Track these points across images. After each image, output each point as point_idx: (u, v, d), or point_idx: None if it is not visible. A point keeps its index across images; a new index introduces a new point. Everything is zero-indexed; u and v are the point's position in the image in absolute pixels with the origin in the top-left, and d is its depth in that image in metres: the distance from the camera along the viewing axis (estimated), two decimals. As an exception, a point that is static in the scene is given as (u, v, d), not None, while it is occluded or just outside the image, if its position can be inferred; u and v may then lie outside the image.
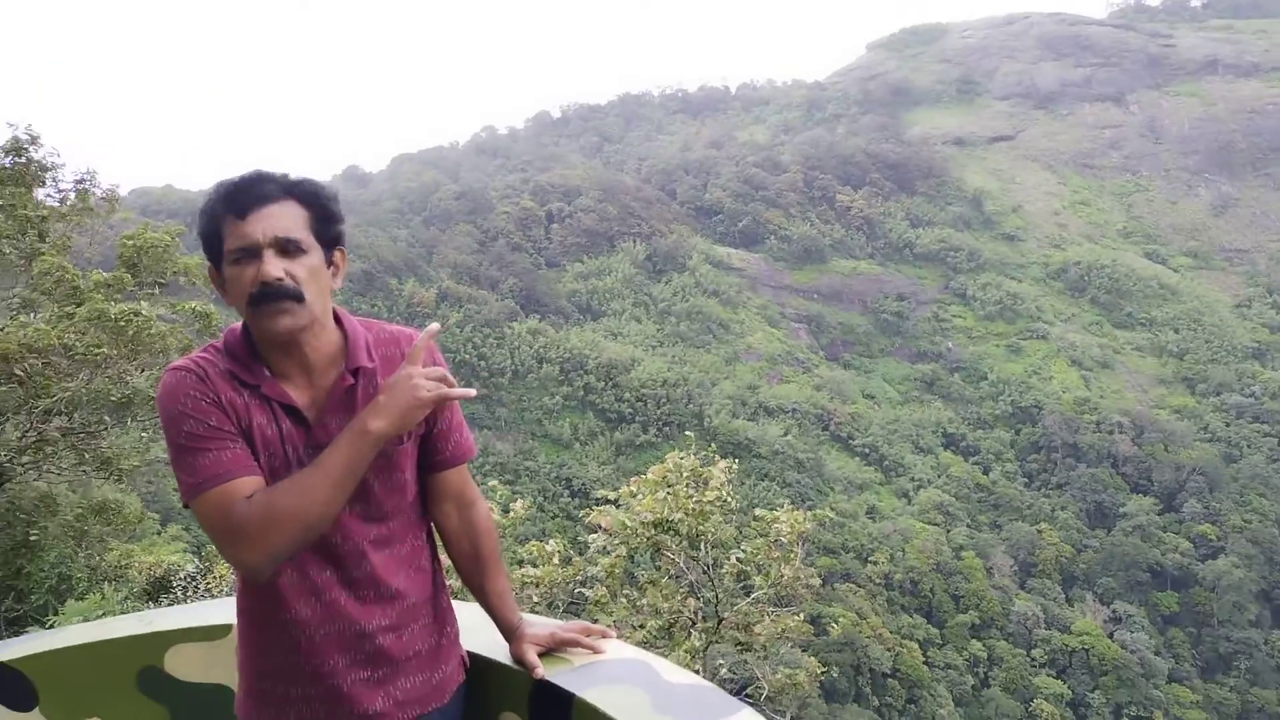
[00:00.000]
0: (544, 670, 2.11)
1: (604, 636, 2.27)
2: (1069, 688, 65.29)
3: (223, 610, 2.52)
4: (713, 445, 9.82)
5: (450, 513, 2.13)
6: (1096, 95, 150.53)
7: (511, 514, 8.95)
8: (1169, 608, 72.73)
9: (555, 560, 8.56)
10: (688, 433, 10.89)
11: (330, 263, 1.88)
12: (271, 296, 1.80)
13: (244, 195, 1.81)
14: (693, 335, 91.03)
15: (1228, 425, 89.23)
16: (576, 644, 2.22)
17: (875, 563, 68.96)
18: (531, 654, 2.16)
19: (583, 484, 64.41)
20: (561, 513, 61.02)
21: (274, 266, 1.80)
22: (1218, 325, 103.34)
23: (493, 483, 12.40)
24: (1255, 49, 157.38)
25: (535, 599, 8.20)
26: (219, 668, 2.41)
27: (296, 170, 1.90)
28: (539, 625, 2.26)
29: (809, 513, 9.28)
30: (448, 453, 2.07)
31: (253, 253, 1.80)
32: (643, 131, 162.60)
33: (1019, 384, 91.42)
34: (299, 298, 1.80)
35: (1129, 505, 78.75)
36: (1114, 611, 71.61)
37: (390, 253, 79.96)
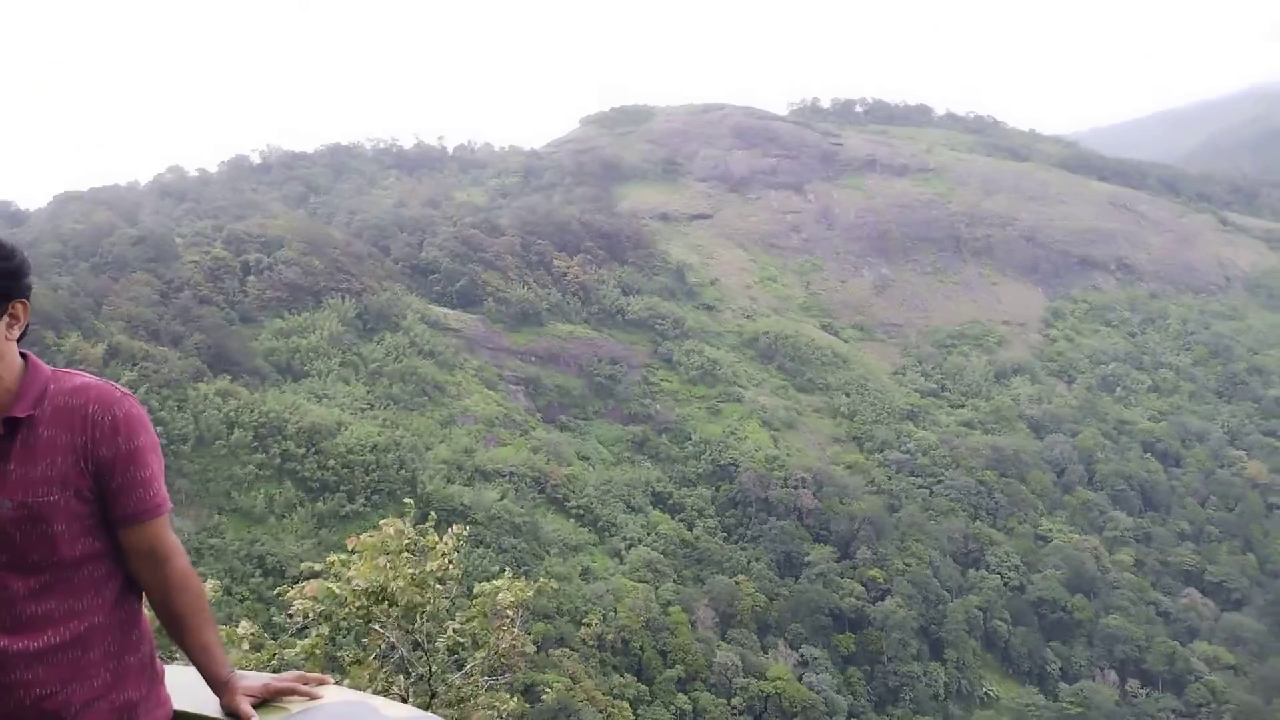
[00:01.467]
0: (259, 718, 2.14)
1: (321, 683, 2.31)
2: (765, 732, 69.29)
3: None
4: (432, 515, 9.34)
5: (141, 570, 2.16)
6: (781, 183, 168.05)
7: None
8: (847, 648, 79.92)
9: (245, 645, 7.99)
10: (406, 500, 10.31)
11: (4, 316, 2.07)
12: None
13: None
14: (406, 397, 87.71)
15: (890, 479, 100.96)
16: (293, 692, 2.26)
17: (589, 624, 69.22)
18: (245, 704, 2.19)
19: (278, 561, 58.95)
20: (253, 595, 55.30)
21: None
22: (880, 390, 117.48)
23: None
24: (905, 152, 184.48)
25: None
26: None
27: None
28: (252, 677, 2.27)
29: (531, 583, 9.22)
30: (129, 510, 2.13)
31: None
32: (353, 184, 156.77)
33: (719, 444, 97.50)
34: None
35: (812, 554, 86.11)
36: (802, 655, 77.41)
37: (49, 302, 69.34)
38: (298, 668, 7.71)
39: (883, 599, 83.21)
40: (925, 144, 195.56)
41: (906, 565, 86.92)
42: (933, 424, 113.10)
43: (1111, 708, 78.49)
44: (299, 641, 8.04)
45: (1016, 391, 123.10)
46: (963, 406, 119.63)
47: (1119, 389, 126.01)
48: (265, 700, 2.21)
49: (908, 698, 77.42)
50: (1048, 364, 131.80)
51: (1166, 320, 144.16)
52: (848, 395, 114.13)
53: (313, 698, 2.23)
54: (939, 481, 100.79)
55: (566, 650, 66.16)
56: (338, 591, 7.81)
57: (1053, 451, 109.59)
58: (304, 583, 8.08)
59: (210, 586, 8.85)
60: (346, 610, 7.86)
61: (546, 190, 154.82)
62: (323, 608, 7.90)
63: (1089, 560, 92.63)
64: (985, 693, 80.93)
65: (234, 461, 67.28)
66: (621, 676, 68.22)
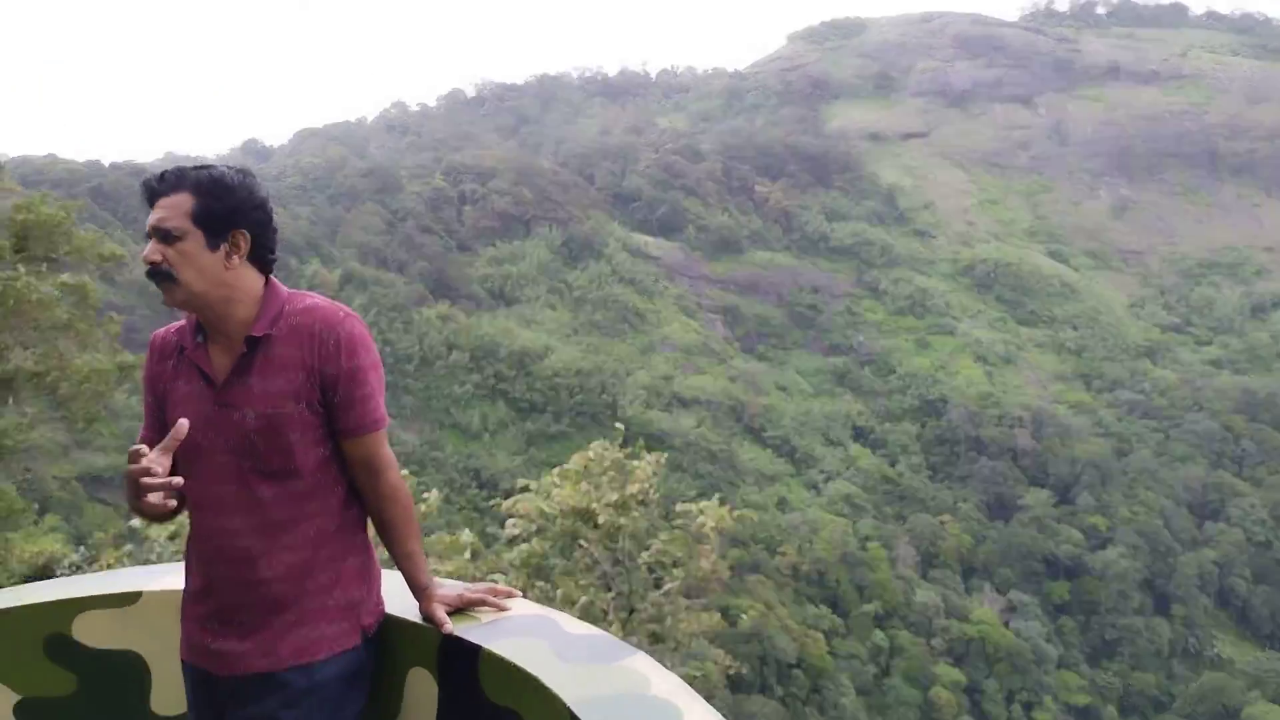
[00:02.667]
0: (452, 626, 2.28)
1: (510, 596, 2.44)
2: (965, 675, 67.22)
3: (131, 578, 2.59)
4: (640, 441, 9.52)
5: (359, 478, 2.32)
6: (1007, 96, 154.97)
7: (423, 507, 8.75)
8: (1060, 596, 75.54)
9: (467, 554, 8.51)
10: (617, 424, 10.64)
11: (224, 244, 2.18)
12: (152, 276, 2.16)
13: (149, 189, 2.18)
14: (608, 324, 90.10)
15: (1120, 420, 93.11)
16: (484, 603, 2.40)
17: (784, 554, 69.53)
18: (440, 612, 2.34)
19: (492, 475, 63.00)
20: (469, 505, 59.52)
21: (152, 251, 2.14)
22: (1113, 324, 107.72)
23: (403, 473, 11.41)
24: (1154, 58, 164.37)
25: None
26: (129, 634, 2.48)
27: (196, 146, 2.02)
28: (448, 586, 2.43)
29: (732, 510, 9.41)
30: (349, 423, 2.28)
31: (148, 238, 2.16)
32: (560, 114, 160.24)
33: (926, 378, 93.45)
34: (171, 278, 2.13)
35: (1027, 497, 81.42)
36: (1010, 601, 73.99)
37: (291, 231, 76.42)
38: (511, 576, 8.16)
39: (1104, 548, 77.63)
40: (1179, 47, 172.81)
41: (1134, 514, 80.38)
42: (1174, 362, 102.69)
43: (1373, 683, 69.84)
44: (511, 551, 8.58)
45: (1276, 327, 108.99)
46: (1210, 343, 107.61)
47: None
48: (459, 609, 2.36)
49: (1126, 652, 72.46)
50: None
51: None
52: (1075, 329, 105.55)
53: (502, 609, 2.37)
54: (1177, 425, 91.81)
55: (761, 577, 66.75)
56: (547, 510, 8.29)
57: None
58: (518, 497, 8.63)
59: (433, 496, 9.17)
60: (555, 528, 8.35)
61: (750, 113, 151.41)
62: (534, 525, 8.41)
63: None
64: (1216, 653, 74.25)
65: (453, 381, 72.05)
66: (816, 607, 68.11)
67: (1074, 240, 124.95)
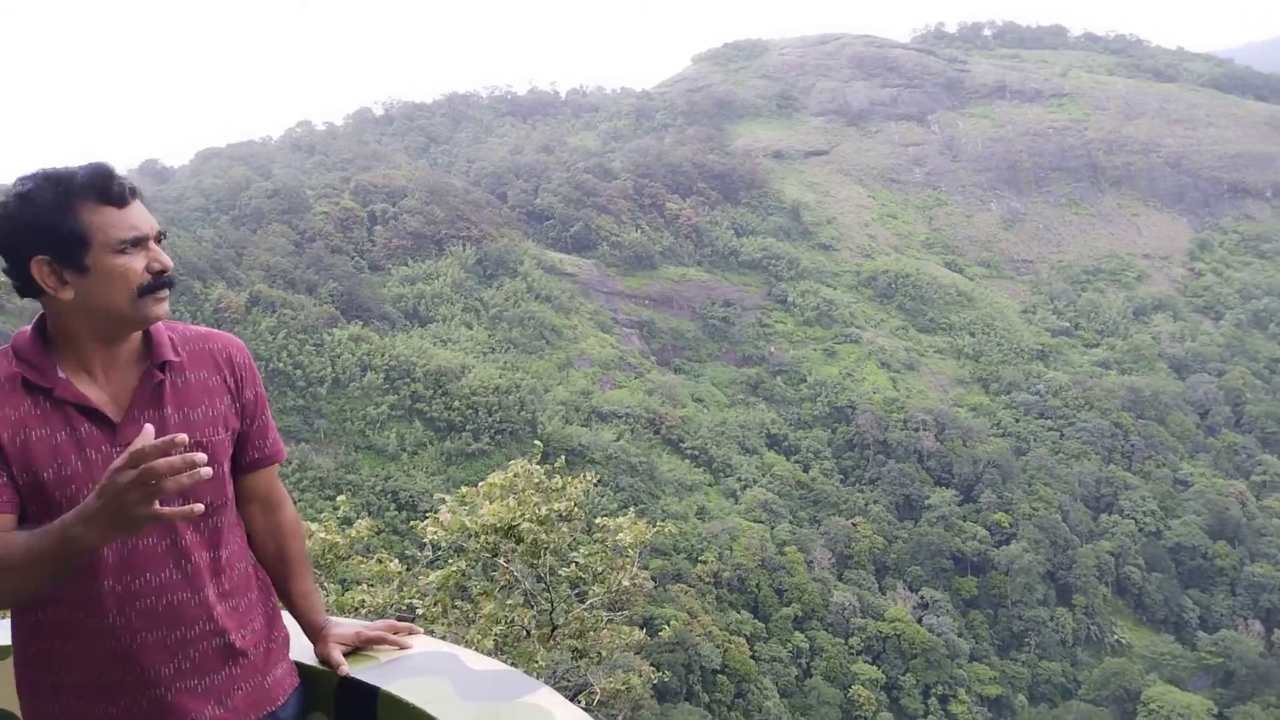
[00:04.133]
0: (349, 668, 2.17)
1: (410, 633, 2.31)
2: (883, 672, 69.27)
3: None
4: (562, 458, 9.60)
5: (256, 514, 2.16)
6: (902, 114, 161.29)
7: (351, 532, 8.66)
8: (969, 592, 78.59)
9: (395, 583, 8.32)
10: (535, 441, 10.83)
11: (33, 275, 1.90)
12: (164, 285, 1.93)
13: (119, 186, 1.86)
14: (525, 341, 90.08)
15: (1017, 421, 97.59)
16: (383, 641, 2.27)
17: (705, 562, 70.58)
18: (336, 653, 2.21)
19: (410, 496, 62.26)
20: (388, 527, 58.57)
21: (167, 257, 1.93)
22: (1008, 329, 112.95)
23: (340, 497, 11.56)
24: (1037, 77, 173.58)
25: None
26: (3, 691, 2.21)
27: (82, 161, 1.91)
28: (344, 625, 2.31)
29: (651, 525, 9.30)
30: (261, 454, 2.11)
31: (142, 243, 1.89)
32: (471, 133, 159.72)
33: (835, 386, 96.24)
34: (174, 286, 1.99)
35: (933, 497, 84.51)
36: (922, 598, 76.60)
37: (194, 254, 74.23)
38: (432, 597, 8.16)
39: (1007, 543, 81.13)
40: (1060, 67, 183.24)
41: (1034, 509, 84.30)
42: (1065, 364, 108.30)
43: (1255, 659, 74.63)
44: (433, 573, 8.34)
45: (1157, 329, 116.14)
46: (1098, 346, 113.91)
47: (1272, 325, 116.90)
48: (357, 649, 2.27)
49: (1033, 642, 75.78)
50: (1192, 299, 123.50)
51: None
52: (973, 335, 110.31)
53: (402, 647, 2.28)
54: (1070, 424, 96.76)
55: (684, 586, 67.61)
56: (469, 525, 8.12)
57: (1196, 392, 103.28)
58: (436, 512, 8.32)
59: (366, 523, 9.18)
60: (476, 544, 8.18)
61: (659, 131, 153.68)
62: (454, 539, 8.22)
63: (1234, 505, 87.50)
64: (1116, 640, 78.32)
65: (367, 402, 70.97)
66: (738, 613, 69.29)
67: (968, 251, 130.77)
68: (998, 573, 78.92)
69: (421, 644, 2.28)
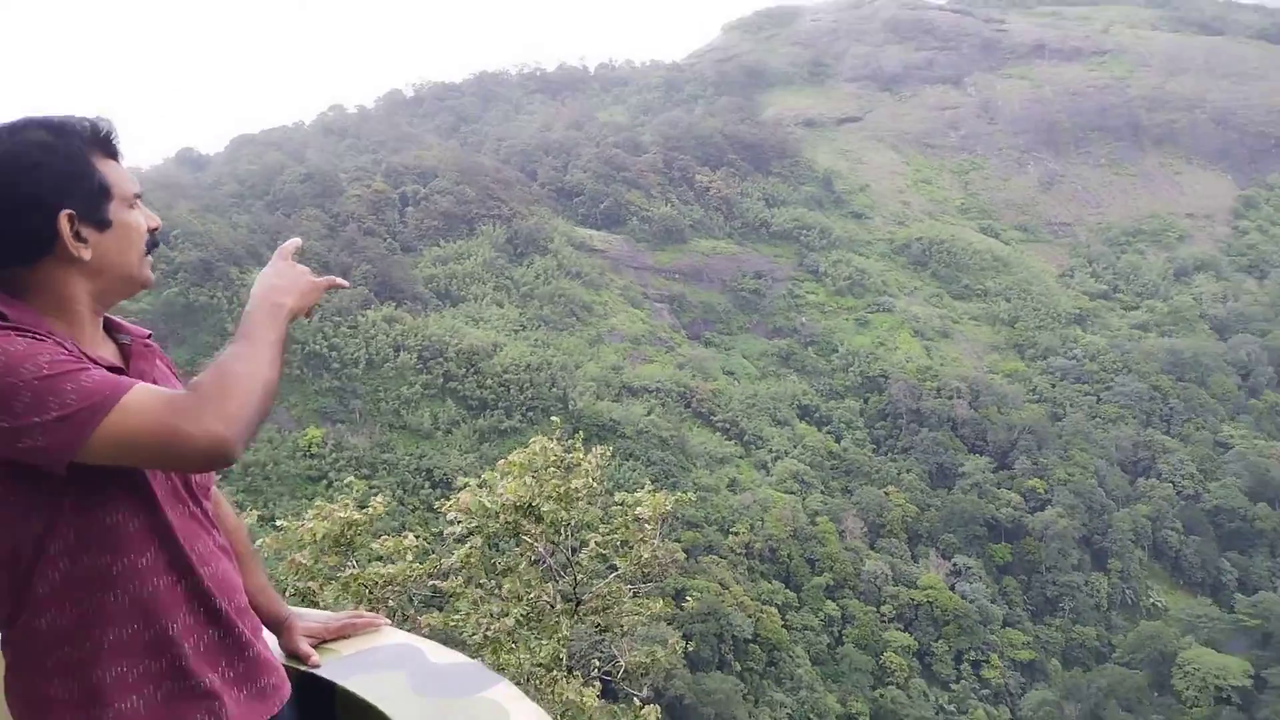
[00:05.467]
0: (319, 659, 2.17)
1: (373, 625, 2.34)
2: (915, 639, 69.77)
3: None
4: (580, 433, 9.83)
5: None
6: (937, 78, 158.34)
7: (369, 510, 8.66)
8: (1003, 558, 78.52)
9: (410, 556, 8.42)
10: (553, 418, 10.87)
11: (59, 237, 1.76)
12: (155, 244, 1.83)
13: (113, 139, 1.77)
14: (556, 318, 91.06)
15: (1053, 386, 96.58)
16: (351, 629, 2.30)
17: (736, 533, 71.39)
18: (304, 645, 2.20)
19: (444, 474, 63.72)
20: (423, 505, 60.13)
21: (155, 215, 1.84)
22: (1044, 294, 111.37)
23: (349, 478, 12.22)
24: (1078, 34, 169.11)
25: (391, 601, 8.06)
26: None
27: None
28: (310, 617, 2.31)
29: (669, 495, 9.43)
30: None
31: (138, 199, 1.80)
32: (501, 111, 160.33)
33: (867, 355, 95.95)
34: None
35: (967, 465, 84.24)
36: (954, 565, 76.74)
37: (230, 240, 76.15)
38: (456, 573, 8.43)
39: (1042, 509, 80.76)
40: (1101, 23, 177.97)
41: (1069, 475, 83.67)
42: (1103, 328, 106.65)
43: (1296, 622, 73.71)
44: (457, 548, 8.49)
45: (1199, 289, 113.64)
46: (1137, 308, 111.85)
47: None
48: (323, 641, 2.26)
49: (1067, 608, 75.62)
50: (1236, 259, 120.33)
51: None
52: (1008, 300, 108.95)
53: (375, 624, 2.32)
54: (1108, 388, 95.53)
55: (715, 557, 68.51)
56: (489, 505, 8.28)
57: (1238, 353, 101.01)
58: (458, 494, 8.45)
59: (381, 501, 9.13)
60: (497, 523, 8.35)
61: (688, 104, 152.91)
62: (475, 522, 8.33)
63: (1275, 467, 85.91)
64: (1152, 603, 77.84)
65: (401, 382, 72.57)
66: (770, 583, 70.09)
67: (1004, 215, 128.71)
68: (1032, 539, 78.68)
69: (387, 636, 2.27)
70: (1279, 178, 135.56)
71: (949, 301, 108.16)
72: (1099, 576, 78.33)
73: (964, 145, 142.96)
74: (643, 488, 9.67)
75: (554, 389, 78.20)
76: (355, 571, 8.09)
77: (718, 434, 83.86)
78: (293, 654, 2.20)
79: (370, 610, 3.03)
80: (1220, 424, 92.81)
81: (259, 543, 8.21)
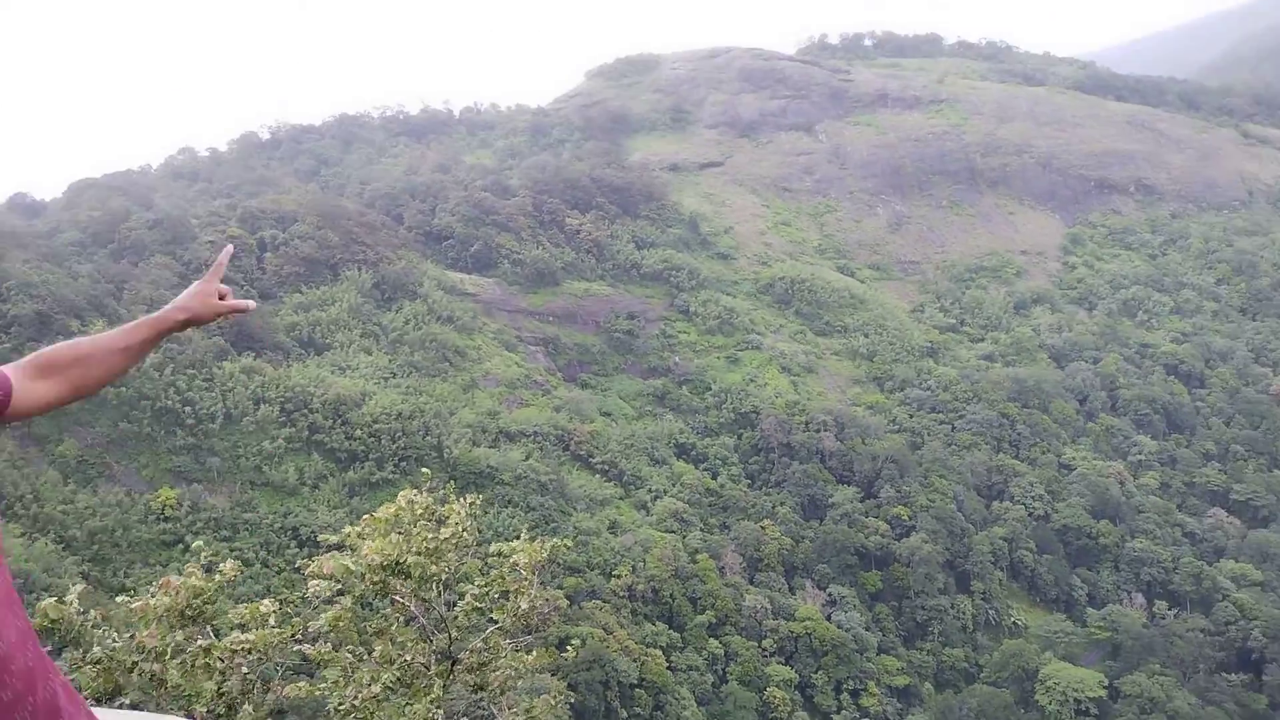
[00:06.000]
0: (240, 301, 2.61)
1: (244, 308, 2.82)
2: (796, 672, 71.00)
3: None
4: (451, 482, 9.49)
5: None
6: (790, 125, 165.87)
7: (219, 575, 8.15)
8: (874, 586, 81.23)
9: (271, 622, 7.97)
10: (424, 469, 10.39)
11: None
12: None
13: None
14: (428, 364, 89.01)
15: (911, 417, 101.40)
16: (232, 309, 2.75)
17: (619, 576, 71.05)
18: (228, 302, 2.66)
19: (312, 531, 60.71)
20: (289, 566, 57.10)
21: None
22: (899, 329, 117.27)
23: (197, 542, 11.28)
24: (917, 84, 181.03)
25: (246, 669, 7.51)
26: None
27: None
28: (183, 297, 2.59)
29: (545, 542, 9.15)
30: None
31: None
32: (363, 154, 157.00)
33: (739, 392, 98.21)
34: None
35: (836, 495, 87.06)
36: (830, 595, 78.84)
37: (71, 290, 70.84)
38: (324, 639, 7.95)
39: (908, 535, 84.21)
40: (937, 74, 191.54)
41: (930, 501, 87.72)
42: (953, 359, 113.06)
43: (1139, 630, 79.33)
44: (325, 611, 8.03)
45: (1037, 321, 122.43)
46: (983, 340, 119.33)
47: (1140, 313, 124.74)
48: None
49: (936, 631, 78.78)
50: (1067, 292, 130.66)
51: (1188, 240, 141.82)
52: (866, 336, 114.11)
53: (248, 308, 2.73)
54: (961, 416, 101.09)
55: (599, 602, 67.92)
56: (353, 567, 7.86)
57: (1075, 380, 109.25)
58: (319, 558, 7.96)
59: (231, 565, 8.59)
60: (363, 586, 7.95)
61: (555, 147, 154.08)
62: (340, 585, 7.90)
63: (1113, 486, 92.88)
64: (1013, 622, 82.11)
65: (263, 436, 68.96)
66: (654, 625, 69.96)
67: (858, 254, 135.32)
68: (900, 565, 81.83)
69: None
70: (1100, 216, 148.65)
71: (812, 338, 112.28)
72: (963, 599, 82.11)
73: (818, 189, 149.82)
74: (519, 536, 9.42)
75: (427, 437, 76.18)
76: (204, 644, 7.54)
77: (597, 476, 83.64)
78: (217, 313, 2.57)
79: (223, 683, 2.91)
80: (1063, 447, 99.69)
81: (93, 615, 7.49)
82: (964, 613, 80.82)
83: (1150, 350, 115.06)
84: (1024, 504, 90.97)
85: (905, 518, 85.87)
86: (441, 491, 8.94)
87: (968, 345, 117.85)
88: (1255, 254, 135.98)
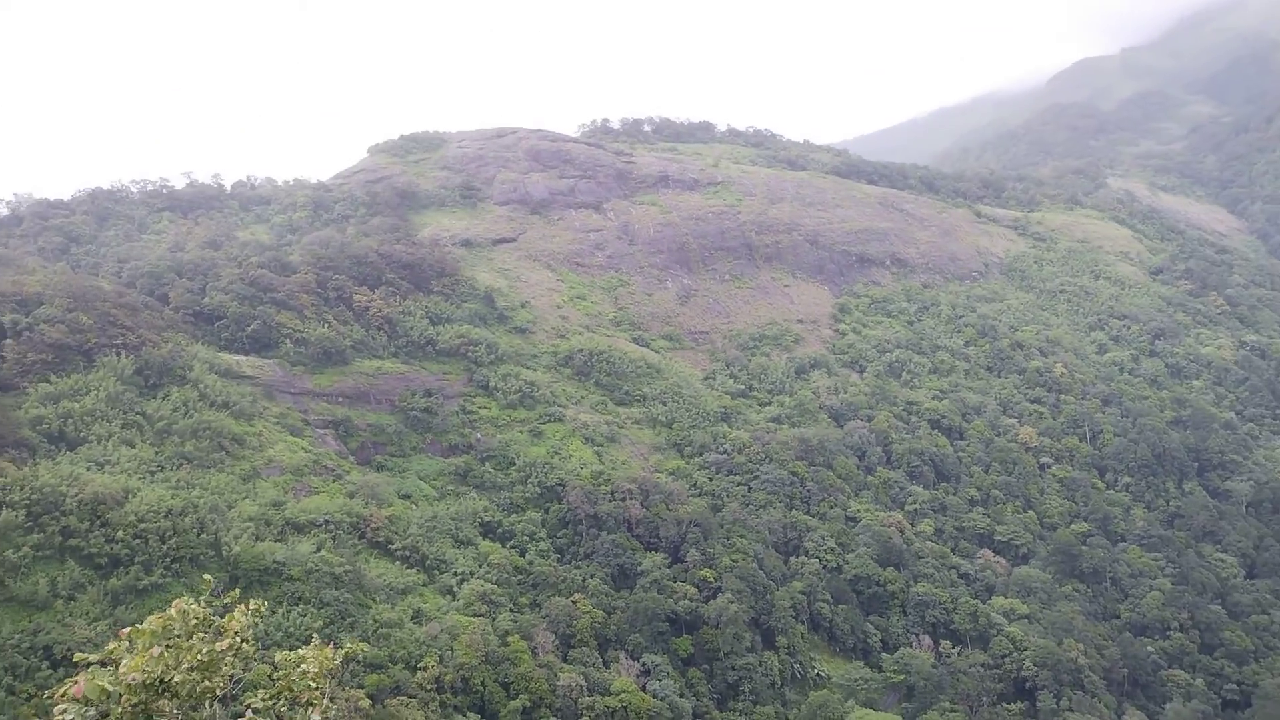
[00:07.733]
0: None
1: None
2: (615, 748, 69.40)
3: None
4: (236, 589, 8.45)
5: None
6: (580, 203, 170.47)
7: None
8: (685, 651, 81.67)
9: None
10: (205, 575, 9.62)
11: None
12: None
13: None
14: (200, 455, 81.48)
15: (710, 480, 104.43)
16: None
17: (425, 668, 67.03)
18: None
19: (67, 649, 53.07)
20: (39, 691, 49.34)
21: None
22: (694, 396, 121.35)
23: None
24: (694, 167, 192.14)
25: None
26: None
27: None
28: None
29: (338, 649, 8.52)
30: None
31: None
32: (121, 230, 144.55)
33: (543, 465, 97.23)
34: None
35: (645, 563, 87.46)
36: (644, 664, 78.30)
37: None
38: None
39: (714, 596, 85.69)
40: (711, 158, 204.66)
41: (733, 561, 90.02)
42: (745, 423, 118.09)
43: (929, 670, 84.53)
44: None
45: (816, 384, 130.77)
46: (770, 404, 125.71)
47: (904, 373, 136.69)
48: None
49: (747, 690, 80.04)
50: (840, 356, 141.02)
51: (938, 307, 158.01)
52: (664, 404, 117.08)
53: None
54: (755, 477, 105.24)
55: (404, 698, 63.61)
56: (109, 688, 7.06)
57: (853, 437, 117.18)
58: (69, 681, 7.08)
59: None
60: (120, 708, 7.12)
61: (339, 223, 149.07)
62: (93, 711, 7.06)
63: (895, 534, 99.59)
64: (816, 673, 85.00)
65: (5, 545, 59.94)
66: (464, 716, 66.32)
67: (651, 326, 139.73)
68: (709, 627, 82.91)
69: None
70: (863, 287, 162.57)
71: (613, 408, 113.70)
72: (770, 655, 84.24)
73: (610, 264, 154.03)
74: (310, 638, 8.78)
75: (203, 534, 69.20)
76: None
77: (398, 563, 79.19)
78: None
79: None
80: (848, 500, 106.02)
81: None
82: (771, 669, 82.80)
83: (915, 407, 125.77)
84: (818, 557, 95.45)
85: (711, 579, 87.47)
86: (225, 599, 8.24)
87: (757, 409, 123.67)
88: (995, 318, 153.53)
